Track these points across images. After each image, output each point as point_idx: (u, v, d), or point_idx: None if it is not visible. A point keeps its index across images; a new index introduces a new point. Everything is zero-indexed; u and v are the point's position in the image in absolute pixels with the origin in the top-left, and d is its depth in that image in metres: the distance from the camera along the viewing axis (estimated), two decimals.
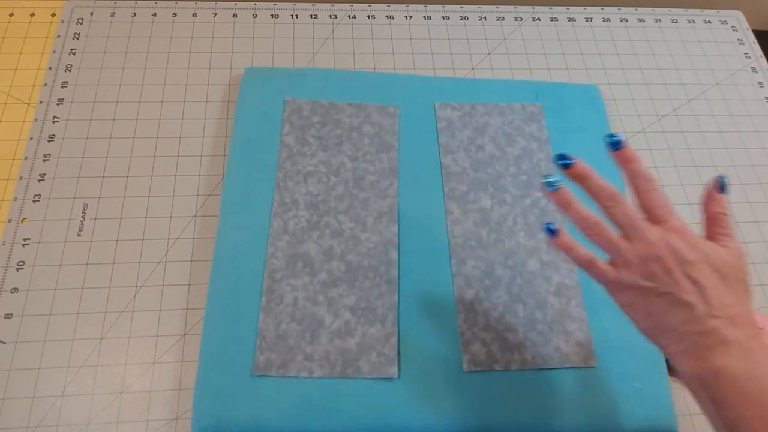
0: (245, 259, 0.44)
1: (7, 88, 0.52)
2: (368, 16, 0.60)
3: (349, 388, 0.40)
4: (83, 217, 0.46)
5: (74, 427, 0.39)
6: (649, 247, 0.31)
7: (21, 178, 0.48)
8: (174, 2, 0.58)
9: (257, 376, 0.40)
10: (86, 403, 0.40)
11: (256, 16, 0.58)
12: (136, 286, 0.44)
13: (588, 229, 0.33)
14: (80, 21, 0.56)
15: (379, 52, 0.57)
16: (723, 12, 0.65)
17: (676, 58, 0.60)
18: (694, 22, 0.63)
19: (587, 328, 0.43)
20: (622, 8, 0.64)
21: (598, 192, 0.33)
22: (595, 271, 0.33)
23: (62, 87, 0.52)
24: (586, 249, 0.33)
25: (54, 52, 0.54)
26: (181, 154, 0.50)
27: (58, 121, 0.50)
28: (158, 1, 0.58)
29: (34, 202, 0.47)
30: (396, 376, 0.40)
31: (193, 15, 0.58)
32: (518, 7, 0.62)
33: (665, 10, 0.64)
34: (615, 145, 0.34)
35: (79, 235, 0.45)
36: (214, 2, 0.59)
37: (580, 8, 0.63)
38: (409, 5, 0.61)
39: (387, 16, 0.60)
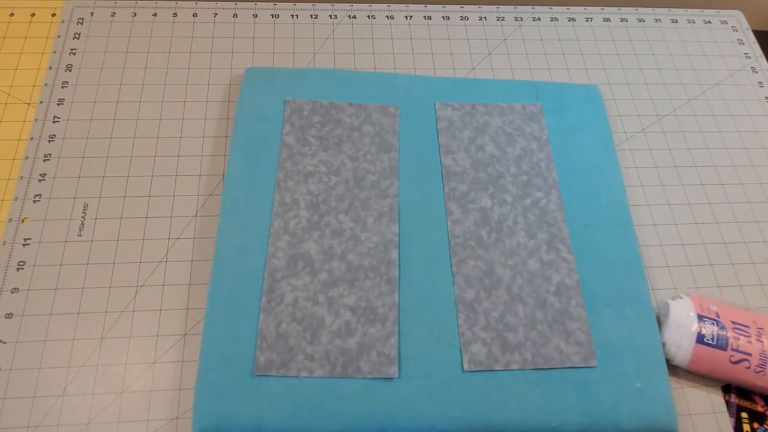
0: (246, 259, 0.44)
1: (7, 88, 0.52)
2: (368, 16, 0.60)
3: (349, 388, 0.40)
4: (84, 217, 0.46)
5: (74, 426, 0.39)
6: None
7: (21, 177, 0.48)
8: (174, 2, 0.58)
9: (258, 375, 0.40)
10: (86, 402, 0.40)
11: (257, 16, 0.58)
12: (137, 286, 0.44)
13: None
14: (80, 21, 0.56)
15: (379, 52, 0.57)
16: (723, 12, 0.65)
17: (676, 58, 0.60)
18: (694, 22, 0.64)
19: (587, 328, 0.43)
20: (622, 8, 0.64)
21: None
22: None
23: (62, 87, 0.52)
24: None
25: (54, 52, 0.54)
26: (181, 154, 0.50)
27: (58, 121, 0.50)
28: (159, 1, 0.58)
29: (34, 201, 0.47)
30: (396, 375, 0.40)
31: (193, 15, 0.58)
32: (518, 7, 0.62)
33: (665, 10, 0.64)
34: None
35: (79, 235, 0.45)
36: (214, 2, 0.59)
37: (581, 8, 0.63)
38: (410, 5, 0.61)
39: (387, 16, 0.60)
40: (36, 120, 0.50)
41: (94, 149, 0.49)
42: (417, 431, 0.39)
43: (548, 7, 0.63)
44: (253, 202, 0.46)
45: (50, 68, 0.53)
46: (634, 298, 0.44)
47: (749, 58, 0.61)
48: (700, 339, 0.42)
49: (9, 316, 0.42)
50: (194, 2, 0.58)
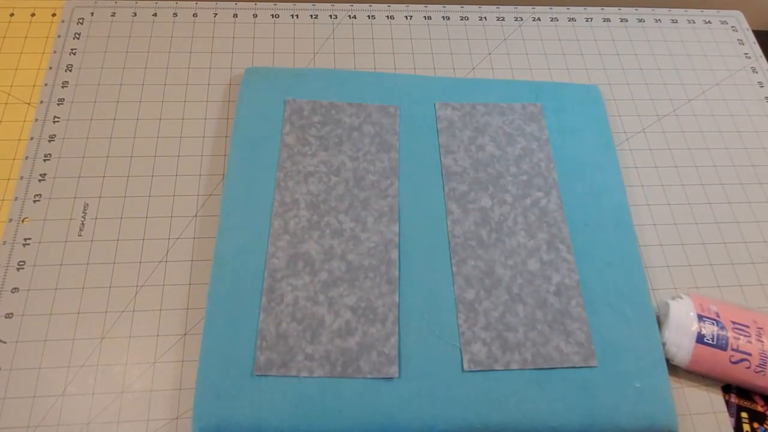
0: (246, 259, 0.44)
1: (7, 88, 0.52)
2: (368, 16, 0.60)
3: (349, 388, 0.40)
4: (84, 216, 0.46)
5: (74, 426, 0.39)
6: None
7: (21, 177, 0.48)
8: (174, 2, 0.58)
9: (258, 375, 0.40)
10: (87, 402, 0.40)
11: (257, 16, 0.58)
12: (137, 286, 0.44)
13: None
14: (81, 21, 0.56)
15: (379, 52, 0.57)
16: (723, 12, 0.65)
17: (676, 58, 0.60)
18: (694, 22, 0.64)
19: (587, 328, 0.43)
20: (622, 8, 0.64)
21: None
22: None
23: (63, 87, 0.52)
24: None
25: (54, 51, 0.54)
26: (181, 154, 0.50)
27: (58, 121, 0.50)
28: (159, 1, 0.58)
29: (34, 201, 0.47)
30: (396, 375, 0.40)
31: (193, 15, 0.58)
32: (518, 7, 0.62)
33: (665, 10, 0.64)
34: None
35: (79, 235, 0.45)
36: (214, 2, 0.59)
37: (581, 8, 0.63)
38: (410, 5, 0.61)
39: (387, 16, 0.60)
40: (36, 120, 0.50)
41: (94, 149, 0.49)
42: (417, 431, 0.39)
43: (548, 7, 0.63)
44: (253, 202, 0.46)
45: (50, 68, 0.53)
46: (634, 298, 0.44)
47: (749, 58, 0.61)
48: (700, 339, 0.42)
49: (9, 316, 0.42)
50: (194, 2, 0.58)
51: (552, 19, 0.62)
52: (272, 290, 0.43)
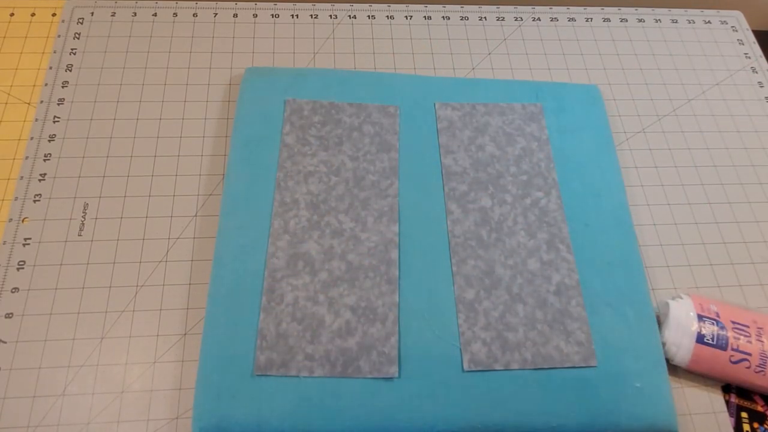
0: (246, 259, 0.44)
1: (7, 87, 0.52)
2: (368, 16, 0.60)
3: (349, 388, 0.40)
4: (84, 216, 0.46)
5: (75, 426, 0.39)
6: None
7: (21, 177, 0.48)
8: (174, 2, 0.58)
9: (258, 375, 0.40)
10: (87, 402, 0.40)
11: (257, 16, 0.58)
12: (137, 286, 0.44)
13: None
14: (81, 21, 0.56)
15: (379, 52, 0.57)
16: (723, 12, 0.65)
17: (676, 58, 0.60)
18: (694, 23, 0.64)
19: (587, 328, 0.43)
20: (622, 8, 0.64)
21: None
22: None
23: (63, 87, 0.52)
24: None
25: (54, 51, 0.54)
26: (181, 154, 0.50)
27: (58, 121, 0.50)
28: (159, 1, 0.58)
29: (34, 201, 0.47)
30: (396, 375, 0.40)
31: (193, 15, 0.58)
32: (518, 7, 0.62)
33: (665, 10, 0.64)
34: None
35: (79, 235, 0.45)
36: (214, 2, 0.59)
37: (580, 8, 0.63)
38: (410, 5, 0.61)
39: (387, 16, 0.60)
40: (36, 120, 0.50)
41: (94, 149, 0.49)
42: (417, 431, 0.39)
43: (548, 7, 0.63)
44: (253, 202, 0.46)
45: (50, 68, 0.53)
46: (634, 298, 0.44)
47: (749, 58, 0.61)
48: (700, 339, 0.42)
49: (9, 315, 0.42)
50: (194, 2, 0.58)
51: (552, 19, 0.62)
52: (272, 290, 0.43)
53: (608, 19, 0.63)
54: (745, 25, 0.64)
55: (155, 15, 0.57)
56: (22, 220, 0.46)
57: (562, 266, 0.45)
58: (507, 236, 0.46)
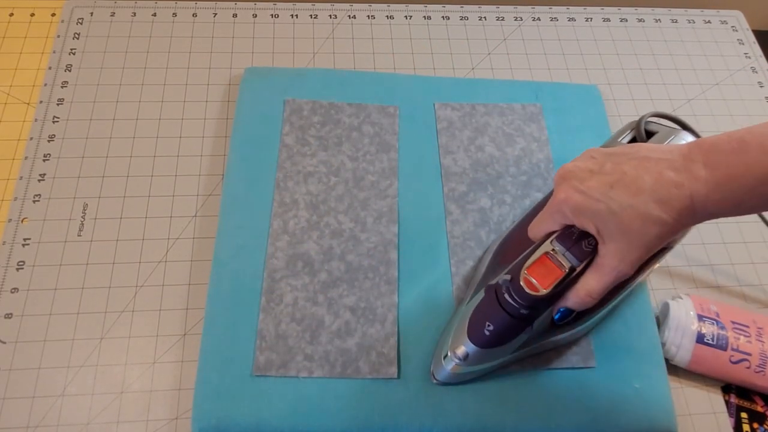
0: (245, 259, 0.44)
1: (7, 88, 0.52)
2: (368, 16, 0.60)
3: (349, 388, 0.40)
4: (83, 217, 0.46)
5: (74, 427, 0.39)
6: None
7: (21, 178, 0.48)
8: (174, 2, 0.58)
9: (257, 376, 0.40)
10: (86, 403, 0.40)
11: (256, 16, 0.58)
12: (136, 286, 0.44)
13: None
14: (80, 21, 0.56)
15: (379, 52, 0.57)
16: (723, 12, 0.65)
17: (676, 58, 0.60)
18: (694, 22, 0.63)
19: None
20: (622, 8, 0.64)
21: None
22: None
23: (62, 87, 0.52)
24: None
25: (54, 51, 0.54)
26: (181, 154, 0.50)
27: (58, 121, 0.50)
28: (158, 1, 0.58)
29: (34, 201, 0.47)
30: (396, 376, 0.40)
31: (193, 15, 0.58)
32: (518, 7, 0.62)
33: (665, 10, 0.64)
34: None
35: (79, 235, 0.45)
36: (214, 2, 0.59)
37: (580, 8, 0.63)
38: (409, 5, 0.61)
39: (387, 16, 0.60)
40: (36, 120, 0.50)
41: (94, 149, 0.49)
42: (417, 431, 0.39)
43: (548, 7, 0.63)
44: (252, 202, 0.46)
45: (50, 68, 0.53)
46: (633, 298, 0.44)
47: (749, 58, 0.61)
48: (700, 339, 0.42)
49: (9, 316, 0.42)
50: (194, 2, 0.58)
51: (552, 19, 0.62)
52: (271, 291, 0.43)
53: (608, 19, 0.63)
54: (745, 25, 0.64)
55: (154, 15, 0.57)
56: (22, 221, 0.46)
57: None
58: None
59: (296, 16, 0.59)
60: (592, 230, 0.32)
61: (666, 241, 0.32)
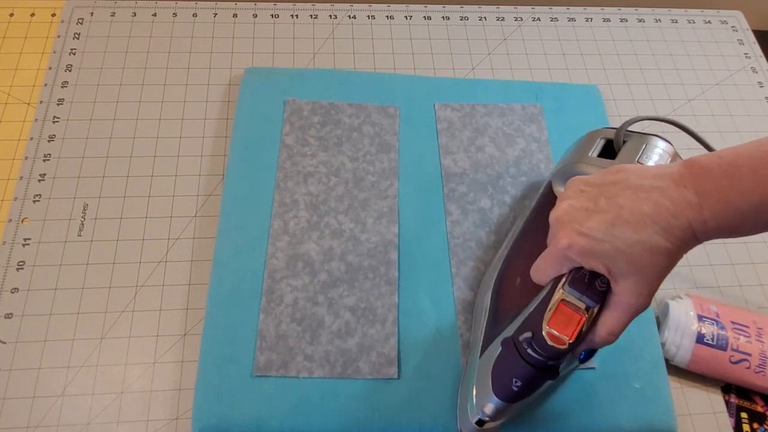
0: (245, 260, 0.44)
1: (7, 88, 0.52)
2: (368, 16, 0.60)
3: (349, 389, 0.40)
4: (83, 217, 0.46)
5: (74, 427, 0.39)
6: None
7: (21, 178, 0.48)
8: (174, 2, 0.58)
9: (257, 376, 0.40)
10: (86, 403, 0.40)
11: (256, 16, 0.58)
12: (136, 286, 0.44)
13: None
14: (80, 21, 0.56)
15: (379, 53, 0.57)
16: (723, 12, 0.65)
17: (676, 58, 0.60)
18: (694, 22, 0.63)
19: None
20: (622, 8, 0.64)
21: None
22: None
23: (62, 87, 0.52)
24: None
25: (54, 52, 0.54)
26: (181, 154, 0.50)
27: (58, 121, 0.50)
28: (158, 1, 0.58)
29: (34, 202, 0.47)
30: (396, 376, 0.40)
31: (193, 15, 0.58)
32: (518, 7, 0.62)
33: (665, 10, 0.64)
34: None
35: (79, 235, 0.45)
36: (214, 2, 0.59)
37: (580, 8, 0.63)
38: (409, 5, 0.61)
39: (387, 17, 0.60)
40: (36, 120, 0.50)
41: (94, 149, 0.49)
42: (417, 431, 0.39)
43: (548, 7, 0.63)
44: (252, 203, 0.46)
45: (50, 68, 0.53)
46: None
47: (749, 58, 0.61)
48: (700, 339, 0.42)
49: (9, 316, 0.42)
50: (194, 2, 0.58)
51: (552, 19, 0.62)
52: (272, 291, 0.43)
53: (608, 19, 0.63)
54: (745, 25, 0.64)
55: (155, 15, 0.57)
56: (22, 221, 0.46)
57: None
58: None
59: (296, 16, 0.59)
60: (602, 271, 0.31)
61: (674, 266, 0.32)
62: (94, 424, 0.39)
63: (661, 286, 0.47)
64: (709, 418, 0.42)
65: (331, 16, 0.59)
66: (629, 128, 0.41)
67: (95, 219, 0.46)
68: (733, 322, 0.42)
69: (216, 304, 0.42)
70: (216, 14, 0.58)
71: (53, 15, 0.57)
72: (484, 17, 0.61)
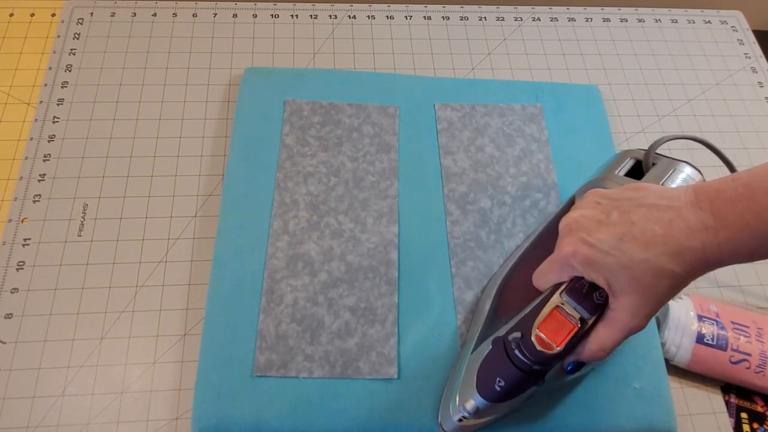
0: (245, 260, 0.44)
1: (7, 88, 0.52)
2: (368, 16, 0.60)
3: (348, 389, 0.40)
4: (83, 217, 0.46)
5: (74, 427, 0.39)
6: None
7: (21, 178, 0.48)
8: (174, 2, 0.58)
9: (257, 376, 0.40)
10: (86, 403, 0.40)
11: (256, 16, 0.58)
12: (136, 286, 0.44)
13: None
14: (80, 21, 0.56)
15: (379, 53, 0.57)
16: (723, 12, 0.65)
17: (676, 58, 0.60)
18: (694, 22, 0.63)
19: None
20: (622, 8, 0.64)
21: None
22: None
23: (62, 87, 0.52)
24: None
25: (54, 52, 0.54)
26: (181, 154, 0.50)
27: (58, 121, 0.50)
28: (158, 1, 0.58)
29: (34, 202, 0.47)
30: (396, 376, 0.40)
31: (193, 15, 0.58)
32: (518, 7, 0.62)
33: (665, 10, 0.64)
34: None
35: (79, 235, 0.45)
36: (214, 2, 0.59)
37: (580, 8, 0.63)
38: (409, 5, 0.61)
39: (387, 17, 0.60)
40: (36, 120, 0.50)
41: (94, 149, 0.49)
42: (417, 431, 0.39)
43: (548, 7, 0.63)
44: (252, 203, 0.46)
45: (50, 68, 0.53)
46: None
47: (749, 58, 0.61)
48: (700, 339, 0.42)
49: (9, 316, 0.42)
50: (194, 2, 0.58)
51: (552, 19, 0.62)
52: (272, 291, 0.43)
53: (608, 19, 0.63)
54: (745, 25, 0.64)
55: (155, 15, 0.57)
56: (22, 221, 0.46)
57: None
58: (506, 238, 0.46)
59: (296, 16, 0.59)
60: (602, 284, 0.31)
61: (678, 292, 0.31)
62: (94, 424, 0.39)
63: None
64: (709, 418, 0.42)
65: (331, 16, 0.59)
66: (659, 150, 0.41)
67: (95, 219, 0.46)
68: (733, 322, 0.42)
69: (216, 304, 0.42)
70: (216, 14, 0.58)
71: (53, 15, 0.57)
72: (484, 17, 0.61)
